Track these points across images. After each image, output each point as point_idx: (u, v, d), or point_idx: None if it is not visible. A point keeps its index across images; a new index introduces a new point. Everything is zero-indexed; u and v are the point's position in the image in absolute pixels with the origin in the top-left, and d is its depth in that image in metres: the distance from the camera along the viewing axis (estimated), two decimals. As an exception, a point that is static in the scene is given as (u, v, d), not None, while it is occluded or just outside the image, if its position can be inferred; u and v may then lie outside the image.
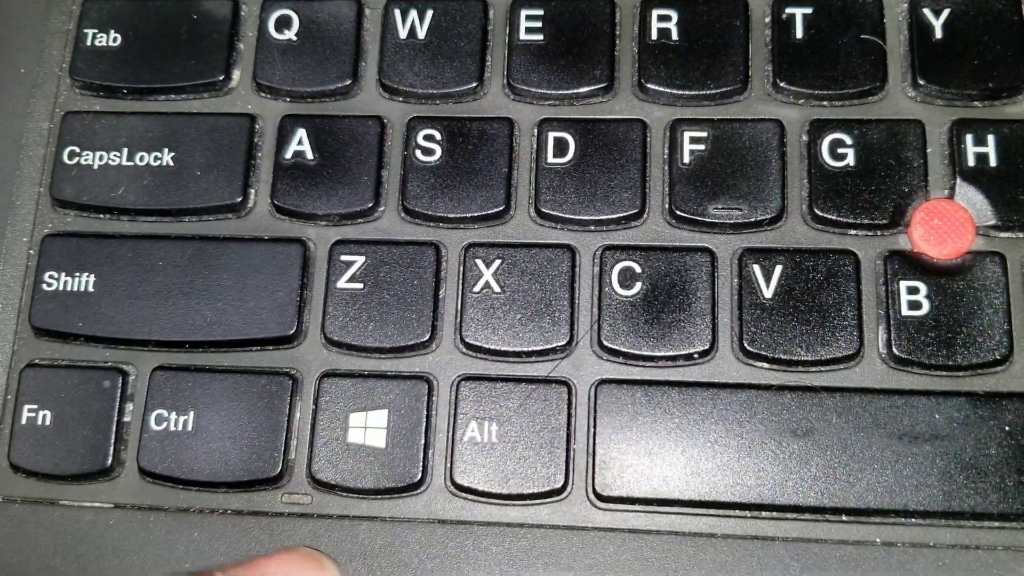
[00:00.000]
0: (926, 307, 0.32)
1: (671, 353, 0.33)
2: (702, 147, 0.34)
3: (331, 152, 0.35)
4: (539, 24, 0.36)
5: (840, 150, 0.34)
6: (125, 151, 0.36)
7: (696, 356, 0.33)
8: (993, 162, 0.33)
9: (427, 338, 0.33)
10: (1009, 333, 0.32)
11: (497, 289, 0.34)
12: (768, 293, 0.33)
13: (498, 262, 0.34)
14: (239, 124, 0.36)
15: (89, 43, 0.37)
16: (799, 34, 0.35)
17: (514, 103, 0.36)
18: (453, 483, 0.32)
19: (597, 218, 0.34)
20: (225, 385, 0.34)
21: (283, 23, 0.37)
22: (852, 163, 0.34)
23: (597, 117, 0.35)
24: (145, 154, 0.36)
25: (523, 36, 0.36)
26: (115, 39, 0.37)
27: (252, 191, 0.36)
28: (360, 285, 0.34)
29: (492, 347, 0.33)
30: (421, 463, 0.32)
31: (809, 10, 0.35)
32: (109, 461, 0.33)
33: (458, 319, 0.34)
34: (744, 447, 0.32)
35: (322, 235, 0.35)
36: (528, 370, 0.33)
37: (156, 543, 0.33)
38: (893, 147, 0.34)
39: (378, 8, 0.37)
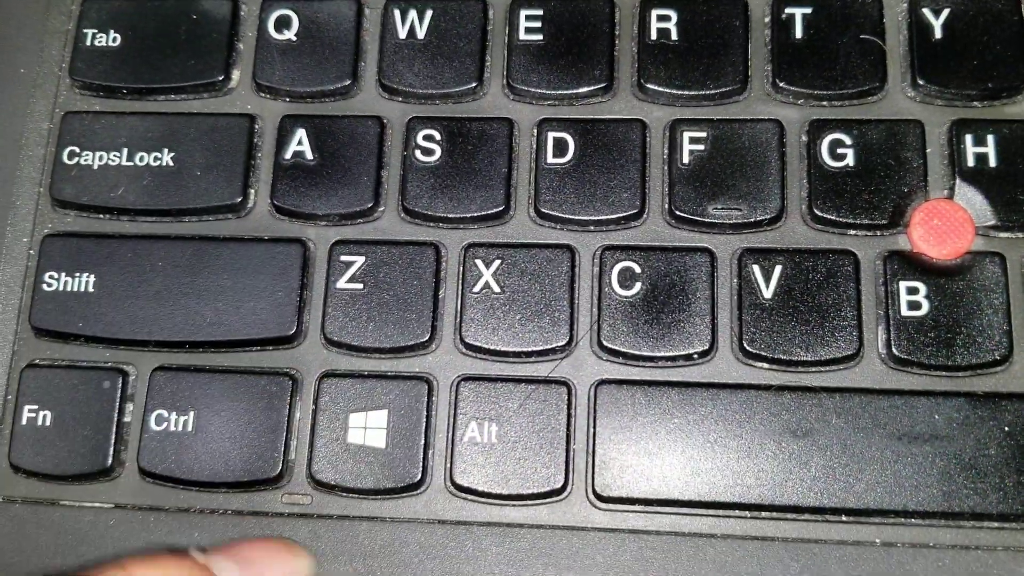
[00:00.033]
0: (926, 307, 0.32)
1: (671, 353, 0.33)
2: (702, 147, 0.34)
3: (331, 152, 0.35)
4: (539, 24, 0.36)
5: (840, 150, 0.34)
6: (125, 151, 0.36)
7: (696, 356, 0.33)
8: (993, 162, 0.33)
9: (427, 338, 0.33)
10: (1009, 333, 0.32)
11: (497, 289, 0.34)
12: (768, 293, 0.33)
13: (498, 262, 0.34)
14: (239, 124, 0.36)
15: (89, 43, 0.37)
16: (799, 34, 0.35)
17: (514, 103, 0.36)
18: (453, 483, 0.32)
19: (597, 218, 0.34)
20: (225, 385, 0.34)
21: (283, 23, 0.37)
22: (851, 163, 0.34)
23: (597, 117, 0.35)
24: (145, 154, 0.36)
25: (523, 36, 0.36)
26: (115, 39, 0.37)
27: (252, 191, 0.36)
28: (360, 285, 0.34)
29: (492, 347, 0.33)
30: (421, 463, 0.32)
31: (809, 10, 0.35)
32: (109, 461, 0.33)
33: (458, 319, 0.34)
34: (744, 447, 0.32)
35: (322, 235, 0.35)
36: (528, 370, 0.33)
37: (156, 543, 0.33)
38: (892, 147, 0.34)
39: (377, 8, 0.37)
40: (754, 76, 0.35)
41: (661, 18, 0.36)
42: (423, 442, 0.33)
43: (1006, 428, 0.31)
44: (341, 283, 0.34)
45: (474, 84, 0.36)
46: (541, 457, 0.32)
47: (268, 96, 0.37)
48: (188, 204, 0.35)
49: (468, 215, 0.34)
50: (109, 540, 0.33)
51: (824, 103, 0.34)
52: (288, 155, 0.36)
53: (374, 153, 0.35)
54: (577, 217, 0.34)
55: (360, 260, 0.34)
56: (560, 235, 0.34)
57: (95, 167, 0.36)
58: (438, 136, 0.35)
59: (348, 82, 0.36)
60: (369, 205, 0.35)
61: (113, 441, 0.34)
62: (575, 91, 0.35)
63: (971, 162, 0.33)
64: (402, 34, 0.36)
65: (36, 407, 0.34)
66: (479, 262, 0.34)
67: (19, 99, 0.38)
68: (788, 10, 0.35)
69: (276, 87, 0.36)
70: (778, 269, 0.33)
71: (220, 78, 0.37)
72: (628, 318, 0.33)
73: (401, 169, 0.35)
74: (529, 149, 0.35)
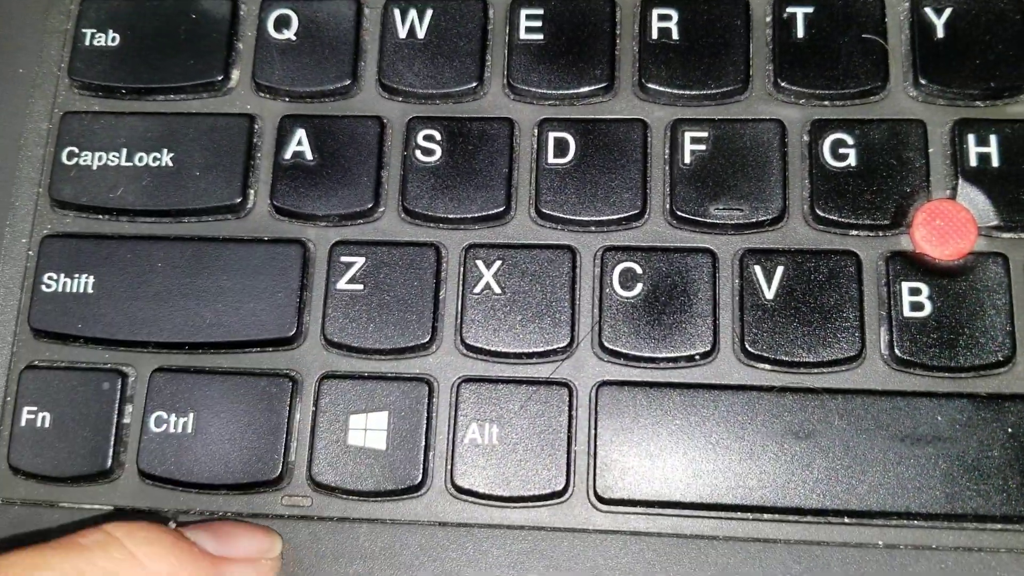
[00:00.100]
0: (928, 308, 0.32)
1: (672, 354, 0.32)
2: (703, 147, 0.34)
3: (331, 152, 0.35)
4: (539, 24, 0.36)
5: (841, 150, 0.34)
6: (124, 151, 0.36)
7: (697, 357, 0.33)
8: (995, 162, 0.33)
9: (427, 339, 0.33)
10: (1012, 334, 0.32)
11: (497, 290, 0.34)
12: (769, 294, 0.33)
13: (498, 263, 0.34)
14: (238, 124, 0.36)
15: (88, 43, 0.37)
16: (800, 34, 0.35)
17: (514, 103, 0.36)
18: (454, 485, 0.32)
19: (598, 219, 0.34)
20: (225, 387, 0.34)
21: (282, 23, 0.37)
22: (853, 163, 0.33)
23: (597, 117, 0.35)
24: (144, 154, 0.36)
25: (523, 36, 0.36)
26: (114, 39, 0.37)
27: (251, 192, 0.36)
28: (360, 286, 0.34)
29: (493, 348, 0.33)
30: (421, 465, 0.32)
31: (810, 9, 0.35)
32: (109, 463, 0.33)
33: (458, 320, 0.34)
34: (746, 449, 0.32)
35: (322, 236, 0.35)
36: (529, 372, 0.33)
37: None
38: (895, 147, 0.33)
39: (377, 8, 0.37)
40: (755, 76, 0.35)
41: (662, 17, 0.35)
42: (423, 444, 0.33)
43: (1009, 429, 0.31)
44: (341, 284, 0.34)
45: (474, 84, 0.35)
46: (542, 459, 0.32)
47: (268, 96, 0.37)
48: (187, 205, 0.35)
49: (469, 216, 0.34)
50: (109, 542, 0.33)
51: (826, 103, 0.34)
52: (288, 155, 0.35)
53: (374, 153, 0.35)
54: (578, 218, 0.34)
55: (360, 261, 0.34)
56: (561, 236, 0.34)
57: (94, 167, 0.36)
58: (438, 136, 0.35)
59: (348, 82, 0.36)
60: (369, 206, 0.35)
61: (112, 443, 0.33)
62: (576, 91, 0.35)
63: (973, 162, 0.33)
64: (402, 34, 0.36)
65: (35, 408, 0.34)
66: (480, 263, 0.34)
67: (18, 99, 0.37)
68: (789, 9, 0.35)
69: (276, 87, 0.36)
70: (780, 270, 0.33)
71: (219, 78, 0.36)
72: (629, 319, 0.33)
73: (401, 169, 0.35)
74: (530, 149, 0.35)
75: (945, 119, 0.34)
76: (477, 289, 0.34)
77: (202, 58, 0.37)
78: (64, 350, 0.35)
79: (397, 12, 0.36)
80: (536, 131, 0.35)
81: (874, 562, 0.31)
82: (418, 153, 0.35)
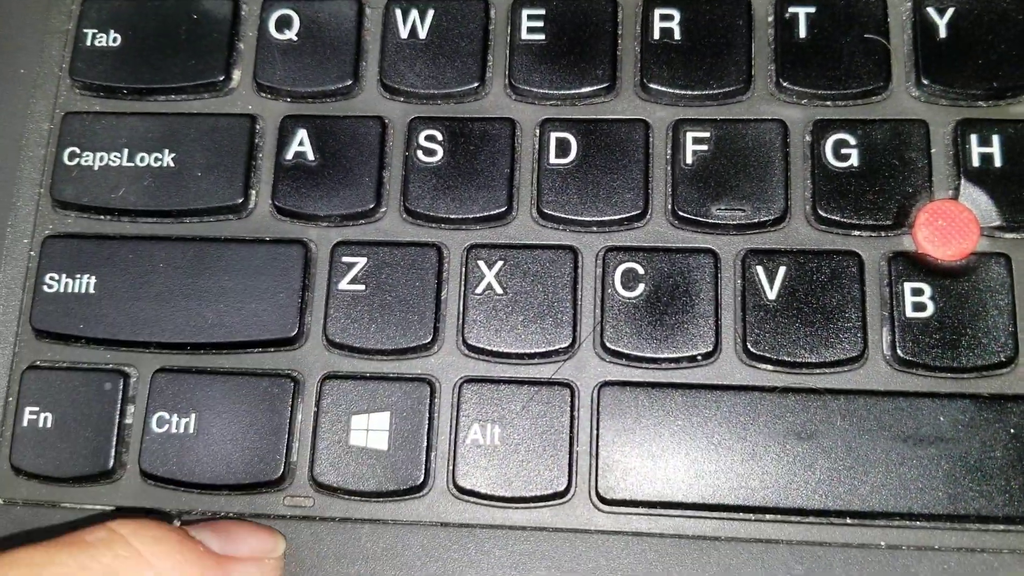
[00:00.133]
0: (930, 309, 0.32)
1: (674, 355, 0.32)
2: (705, 147, 0.34)
3: (332, 153, 0.35)
4: (540, 24, 0.36)
5: (844, 150, 0.34)
6: (125, 152, 0.36)
7: (699, 358, 0.32)
8: (998, 162, 0.33)
9: (429, 340, 0.33)
10: (1014, 335, 0.32)
11: (499, 290, 0.34)
12: (771, 295, 0.33)
13: (500, 263, 0.34)
14: (240, 124, 0.36)
15: (89, 43, 0.37)
16: (802, 33, 0.35)
17: (516, 103, 0.36)
18: (455, 486, 0.32)
19: (599, 219, 0.34)
20: (227, 387, 0.34)
21: (283, 23, 0.37)
22: (856, 163, 0.33)
23: (599, 117, 0.35)
24: (145, 155, 0.36)
25: (524, 36, 0.36)
26: (115, 39, 0.37)
27: (253, 192, 0.36)
28: (362, 287, 0.34)
29: (494, 349, 0.33)
30: (423, 466, 0.32)
31: (812, 9, 0.35)
32: (111, 463, 0.33)
33: (460, 321, 0.33)
34: (748, 449, 0.32)
35: (323, 236, 0.35)
36: (531, 372, 0.33)
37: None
38: (897, 147, 0.33)
39: (379, 8, 0.37)
40: (757, 76, 0.35)
41: (664, 17, 0.35)
42: (425, 444, 0.33)
43: (1012, 430, 0.31)
44: (343, 284, 0.34)
45: (476, 84, 0.35)
46: (544, 459, 0.32)
47: (269, 96, 0.36)
48: (189, 205, 0.35)
49: (470, 216, 0.34)
50: (110, 543, 0.33)
51: (828, 103, 0.34)
52: (289, 155, 0.35)
53: (376, 153, 0.35)
54: (580, 218, 0.34)
55: (362, 261, 0.34)
56: (563, 236, 0.34)
57: (96, 168, 0.36)
58: (440, 136, 0.35)
59: (349, 82, 0.36)
60: (371, 206, 0.35)
61: (114, 443, 0.33)
62: (577, 91, 0.35)
63: (976, 162, 0.33)
64: (403, 34, 0.36)
65: (37, 409, 0.34)
66: (481, 263, 0.34)
67: (19, 99, 0.37)
68: (792, 9, 0.35)
69: (277, 87, 0.36)
70: (782, 270, 0.33)
71: (221, 78, 0.36)
72: (631, 319, 0.33)
73: (403, 170, 0.35)
74: (531, 149, 0.35)
75: (947, 119, 0.34)
76: (479, 289, 0.34)
77: (203, 58, 0.37)
78: (66, 350, 0.35)
79: (398, 12, 0.36)
80: (538, 131, 0.35)
81: (876, 563, 0.31)
82: (419, 153, 0.35)
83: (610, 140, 0.34)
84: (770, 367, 0.32)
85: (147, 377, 0.34)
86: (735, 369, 0.33)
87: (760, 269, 0.33)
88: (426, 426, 0.33)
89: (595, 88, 0.35)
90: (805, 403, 0.32)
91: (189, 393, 0.34)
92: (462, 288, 0.34)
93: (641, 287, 0.33)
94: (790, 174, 0.34)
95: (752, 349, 0.32)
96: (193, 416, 0.33)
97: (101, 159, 0.36)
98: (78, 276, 0.35)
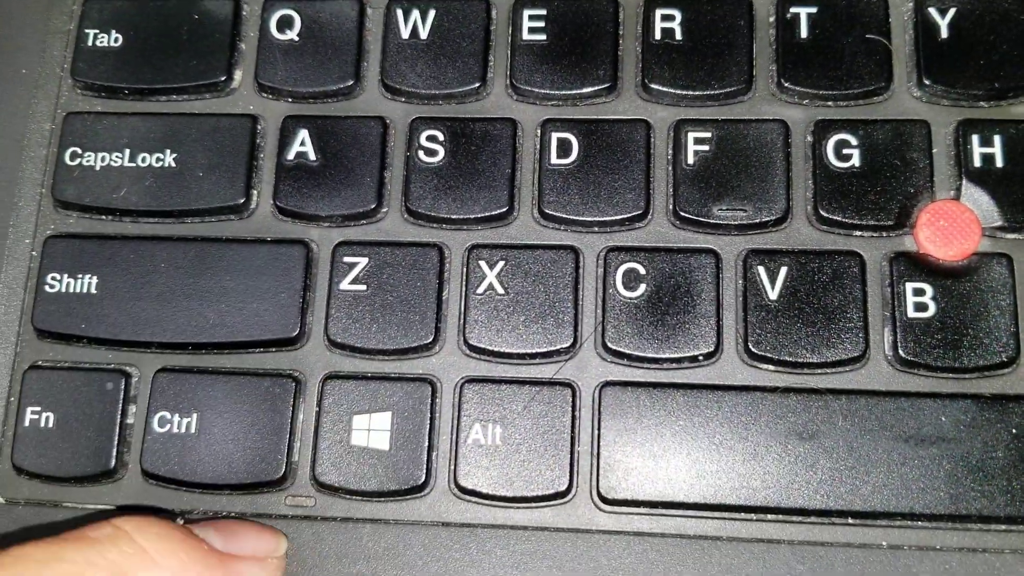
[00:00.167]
0: (932, 309, 0.32)
1: (676, 355, 0.32)
2: (706, 148, 0.34)
3: (333, 153, 0.35)
4: (542, 24, 0.36)
5: (845, 151, 0.34)
6: (127, 152, 0.36)
7: (701, 358, 0.32)
8: (999, 163, 0.33)
9: (430, 340, 0.33)
10: (1016, 335, 0.32)
11: (500, 291, 0.34)
12: (773, 295, 0.33)
13: (501, 263, 0.34)
14: (241, 125, 0.36)
15: (90, 43, 0.37)
16: (804, 34, 0.35)
17: (517, 103, 0.36)
18: (457, 486, 0.32)
19: (601, 219, 0.34)
20: (228, 387, 0.34)
21: (285, 23, 0.37)
22: (857, 164, 0.33)
23: (600, 118, 0.35)
24: (147, 155, 0.36)
25: (526, 36, 0.36)
26: (116, 39, 0.37)
27: (254, 192, 0.36)
28: (363, 287, 0.34)
29: (496, 349, 0.33)
30: (425, 465, 0.32)
31: (814, 10, 0.35)
32: (112, 463, 0.33)
33: (461, 321, 0.34)
34: (749, 450, 0.32)
35: (325, 236, 0.35)
36: (532, 372, 0.33)
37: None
38: (898, 148, 0.33)
39: (380, 8, 0.37)
40: (759, 76, 0.35)
41: (665, 18, 0.35)
42: (427, 444, 0.33)
43: (1013, 430, 0.31)
44: (344, 284, 0.34)
45: (477, 84, 0.35)
46: (545, 459, 0.32)
47: (270, 96, 0.37)
48: (190, 205, 0.35)
49: (472, 216, 0.34)
50: (112, 542, 0.33)
51: (829, 103, 0.34)
52: (291, 156, 0.35)
53: (377, 154, 0.35)
54: (581, 218, 0.34)
55: (363, 261, 0.34)
56: (564, 236, 0.34)
57: (97, 168, 0.36)
58: (441, 137, 0.35)
59: (351, 82, 0.36)
60: (372, 206, 0.35)
61: (116, 443, 0.33)
62: (579, 91, 0.35)
63: (977, 162, 0.33)
64: (405, 34, 0.36)
65: (39, 409, 0.34)
66: (483, 263, 0.34)
67: (21, 100, 0.37)
68: (793, 10, 0.35)
69: (278, 87, 0.36)
70: (783, 270, 0.33)
71: (222, 78, 0.36)
72: (632, 320, 0.33)
73: (404, 170, 0.35)
74: (533, 150, 0.35)
75: (949, 119, 0.34)
76: (480, 289, 0.34)
77: (205, 59, 0.37)
78: (67, 350, 0.35)
79: (400, 12, 0.36)
80: (539, 131, 0.35)
81: (878, 563, 0.31)
82: (421, 153, 0.35)
83: (611, 140, 0.34)
84: (771, 367, 0.32)
85: (149, 377, 0.34)
86: (736, 369, 0.33)
87: (761, 269, 0.33)
88: (427, 426, 0.33)
89: (596, 88, 0.35)
90: (807, 403, 0.32)
91: (191, 393, 0.34)
92: (463, 288, 0.34)
93: (642, 287, 0.33)
94: (791, 174, 0.34)
95: (753, 349, 0.32)
96: (195, 416, 0.33)
97: (103, 159, 0.36)
98: (80, 276, 0.35)
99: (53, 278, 0.35)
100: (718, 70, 0.35)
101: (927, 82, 0.34)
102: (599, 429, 0.32)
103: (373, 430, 0.33)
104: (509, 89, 0.36)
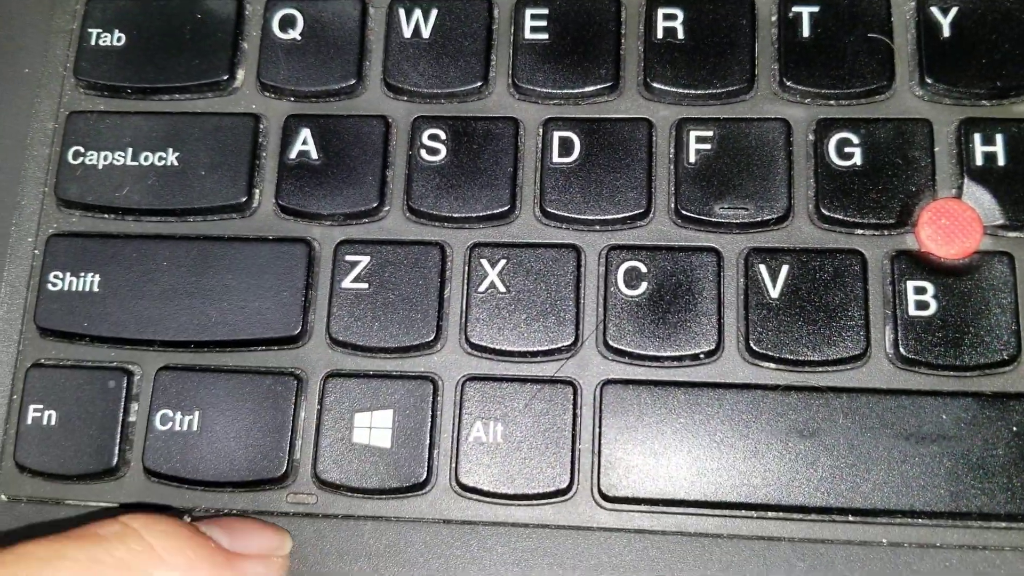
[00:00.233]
0: (933, 307, 0.32)
1: (677, 353, 0.32)
2: (708, 146, 0.34)
3: (336, 152, 0.35)
4: (544, 23, 0.36)
5: (847, 149, 0.34)
6: (129, 151, 0.36)
7: (702, 356, 0.33)
8: (1001, 161, 0.33)
9: (432, 338, 0.33)
10: (1017, 333, 0.32)
11: (502, 289, 0.34)
12: (774, 293, 0.33)
13: (503, 262, 0.34)
14: (243, 124, 0.36)
15: (93, 43, 0.37)
16: (806, 33, 0.35)
17: (519, 102, 0.36)
18: (458, 483, 0.32)
19: (602, 218, 0.34)
20: (230, 385, 0.34)
21: (287, 22, 0.37)
22: (859, 162, 0.33)
23: (602, 116, 0.35)
24: (149, 154, 0.36)
25: (528, 35, 0.36)
26: (119, 39, 0.37)
27: (257, 191, 0.36)
28: (365, 285, 0.34)
29: (497, 347, 0.33)
30: (426, 463, 0.32)
31: (816, 9, 0.35)
32: (114, 461, 0.33)
33: (463, 319, 0.34)
34: (750, 447, 0.32)
35: (327, 235, 0.35)
36: (533, 370, 0.33)
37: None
38: (900, 146, 0.33)
39: (382, 7, 0.37)
40: (761, 75, 0.35)
41: (667, 17, 0.35)
42: (428, 442, 0.33)
43: (1014, 428, 0.31)
44: (346, 283, 0.34)
45: (479, 83, 0.36)
46: (546, 457, 0.32)
47: (273, 96, 0.37)
48: (193, 204, 0.35)
49: (473, 215, 0.34)
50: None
51: (831, 102, 0.34)
52: (293, 155, 0.36)
53: (379, 153, 0.35)
54: (583, 217, 0.34)
55: (365, 260, 0.34)
56: (566, 235, 0.34)
57: (100, 167, 0.36)
58: (443, 136, 0.35)
59: (353, 81, 0.36)
60: (374, 205, 0.35)
61: (118, 441, 0.34)
62: (581, 90, 0.35)
63: (979, 161, 0.33)
64: (407, 33, 0.36)
65: (41, 407, 0.34)
66: (484, 262, 0.34)
67: (24, 99, 0.38)
68: (795, 8, 0.35)
69: (281, 87, 0.36)
70: (785, 269, 0.33)
71: (225, 78, 0.37)
72: (634, 318, 0.33)
73: (406, 169, 0.35)
74: (535, 148, 0.35)
75: (951, 118, 0.34)
76: (482, 288, 0.34)
77: (207, 58, 0.37)
78: (70, 348, 0.35)
79: (402, 12, 0.36)
80: (541, 130, 0.35)
81: (878, 560, 0.31)
82: (423, 152, 0.35)
83: (613, 139, 0.35)
84: (773, 365, 0.32)
85: (151, 375, 0.34)
86: (738, 367, 0.33)
87: (763, 268, 0.33)
88: (429, 424, 0.33)
89: (598, 87, 0.35)
90: (807, 401, 0.32)
91: (193, 391, 0.34)
92: (465, 286, 0.34)
93: (644, 285, 0.33)
94: (793, 173, 0.34)
95: (755, 347, 0.32)
96: (197, 414, 0.33)
97: (105, 158, 0.36)
98: (82, 275, 0.35)
99: (56, 276, 0.35)
100: (720, 69, 0.35)
101: (929, 81, 0.34)
102: (600, 427, 0.32)
103: (374, 428, 0.33)
104: (511, 88, 0.36)
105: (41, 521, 0.34)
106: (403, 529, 0.33)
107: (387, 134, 0.35)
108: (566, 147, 0.35)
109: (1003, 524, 0.31)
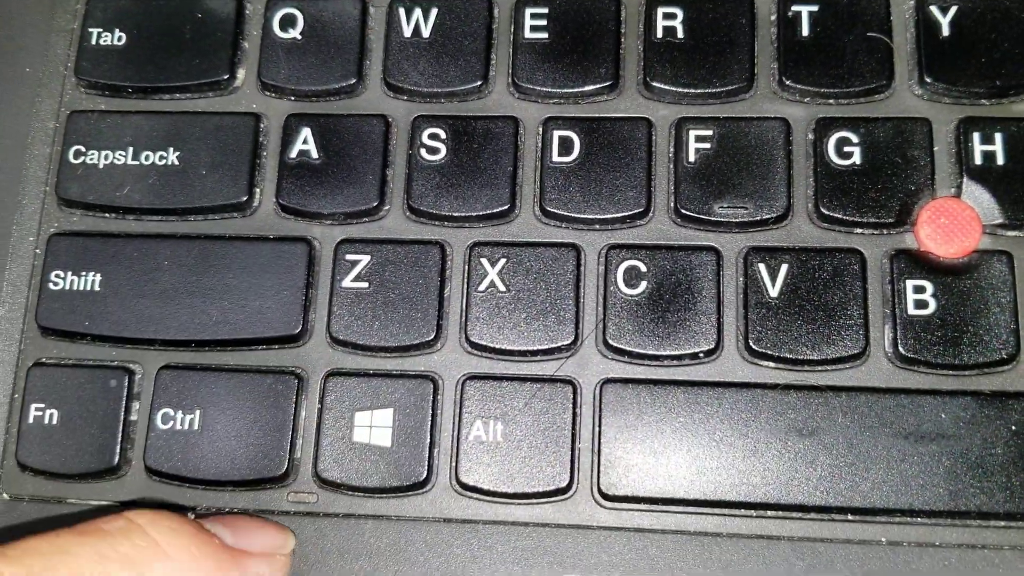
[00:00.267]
0: (932, 306, 0.32)
1: (676, 352, 0.33)
2: (707, 145, 0.34)
3: (336, 151, 0.35)
4: (544, 22, 0.36)
5: (846, 148, 0.34)
6: (130, 150, 0.36)
7: (701, 355, 0.33)
8: (1000, 160, 0.33)
9: (432, 337, 0.33)
10: (1016, 332, 0.32)
11: (502, 288, 0.34)
12: (774, 292, 0.33)
13: (503, 261, 0.34)
14: (244, 123, 0.36)
15: (94, 42, 0.37)
16: (805, 32, 0.35)
17: (519, 101, 0.36)
18: (458, 482, 0.32)
19: (602, 217, 0.34)
20: (231, 384, 0.34)
21: (288, 22, 0.37)
22: (858, 161, 0.33)
23: (602, 115, 0.35)
24: (150, 153, 0.36)
25: (528, 34, 0.36)
26: (120, 38, 0.37)
27: (257, 190, 0.36)
28: (365, 284, 0.34)
29: (497, 346, 0.33)
30: (426, 462, 0.32)
31: (815, 8, 0.35)
32: (116, 460, 0.34)
33: (463, 318, 0.34)
34: (749, 446, 0.32)
35: (327, 234, 0.35)
36: (533, 369, 0.33)
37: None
38: (899, 145, 0.33)
39: (383, 6, 0.37)
40: (760, 74, 0.35)
41: (667, 16, 0.35)
42: (428, 441, 0.33)
43: (1013, 427, 0.31)
44: (346, 282, 0.34)
45: (479, 82, 0.36)
46: (546, 456, 0.32)
47: (273, 95, 0.37)
48: (194, 203, 0.35)
49: (473, 214, 0.34)
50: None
51: (831, 101, 0.34)
52: (293, 154, 0.36)
53: (379, 152, 0.35)
54: (582, 216, 0.34)
55: (365, 259, 0.34)
56: (565, 234, 0.34)
57: (101, 166, 0.36)
58: (443, 135, 0.35)
59: (353, 81, 0.36)
60: (374, 204, 0.35)
61: (119, 439, 0.34)
62: (580, 89, 0.35)
63: (978, 160, 0.33)
64: (407, 32, 0.36)
65: (43, 406, 0.34)
66: (484, 261, 0.34)
67: (25, 98, 0.38)
68: (795, 8, 0.35)
69: (281, 86, 0.36)
70: (784, 268, 0.33)
71: (225, 77, 0.37)
72: (634, 317, 0.33)
73: (406, 168, 0.35)
74: (534, 148, 0.35)
75: (950, 117, 0.34)
76: (482, 287, 0.34)
77: (208, 57, 0.37)
78: (71, 348, 0.35)
79: (402, 11, 0.37)
80: (541, 129, 0.35)
81: (877, 559, 0.31)
82: (423, 151, 0.35)
83: (613, 138, 0.35)
84: (772, 364, 0.32)
85: (152, 374, 0.34)
86: (737, 366, 0.33)
87: (762, 267, 0.33)
88: (429, 423, 0.33)
89: (598, 86, 0.35)
90: (807, 400, 0.32)
91: (194, 390, 0.34)
92: (465, 286, 0.34)
93: (643, 284, 0.33)
94: (792, 172, 0.34)
95: (754, 346, 0.32)
96: (198, 413, 0.34)
97: (106, 157, 0.36)
98: (83, 274, 0.35)
99: (57, 276, 0.35)
100: (719, 68, 0.35)
101: (928, 80, 0.34)
102: (600, 426, 0.32)
103: (375, 427, 0.33)
104: (511, 87, 0.36)
105: (43, 517, 0.34)
106: (403, 528, 0.33)
107: (387, 133, 0.36)
108: (566, 146, 0.35)
109: (1002, 523, 0.31)
